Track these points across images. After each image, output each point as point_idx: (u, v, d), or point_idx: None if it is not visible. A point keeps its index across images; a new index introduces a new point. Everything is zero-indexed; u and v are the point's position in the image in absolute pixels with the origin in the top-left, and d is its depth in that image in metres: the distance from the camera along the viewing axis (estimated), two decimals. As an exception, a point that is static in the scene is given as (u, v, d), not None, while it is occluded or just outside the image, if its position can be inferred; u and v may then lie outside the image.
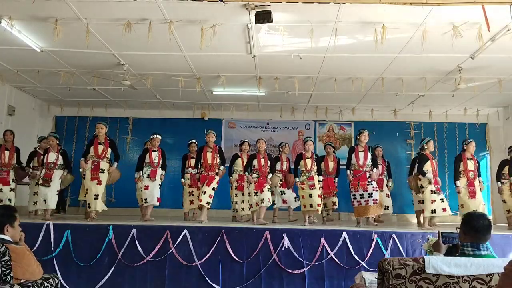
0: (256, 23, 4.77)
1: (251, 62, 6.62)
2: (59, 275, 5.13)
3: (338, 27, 5.17)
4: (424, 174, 6.55)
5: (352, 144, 9.07)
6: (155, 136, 7.14)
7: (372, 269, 5.00)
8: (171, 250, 5.52)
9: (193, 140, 8.07)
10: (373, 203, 6.47)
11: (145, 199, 6.91)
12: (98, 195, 6.58)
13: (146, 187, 6.90)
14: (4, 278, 2.71)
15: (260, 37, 5.63)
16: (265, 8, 4.61)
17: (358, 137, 6.72)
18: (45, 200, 6.68)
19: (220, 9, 4.76)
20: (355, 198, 6.57)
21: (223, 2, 4.46)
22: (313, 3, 4.50)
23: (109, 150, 6.79)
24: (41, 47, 6.12)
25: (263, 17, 4.63)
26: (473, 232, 2.40)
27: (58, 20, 5.08)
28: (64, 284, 5.34)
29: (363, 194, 6.49)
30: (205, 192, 6.69)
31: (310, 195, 6.59)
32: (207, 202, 6.68)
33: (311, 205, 6.60)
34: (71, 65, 7.01)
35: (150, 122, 10.09)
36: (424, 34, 5.10)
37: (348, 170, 6.63)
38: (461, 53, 6.01)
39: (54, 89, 8.59)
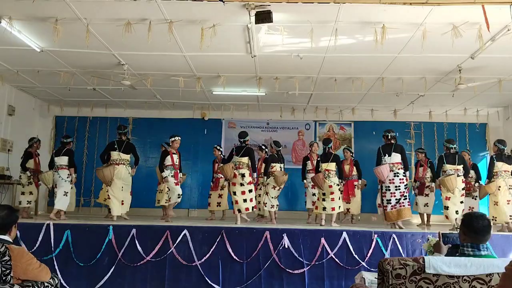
0: (256, 23, 4.77)
1: (251, 62, 6.62)
2: (59, 275, 5.13)
3: (338, 27, 5.17)
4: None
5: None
6: (176, 138, 7.09)
7: (372, 269, 5.00)
8: (171, 250, 5.52)
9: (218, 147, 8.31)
10: (401, 206, 6.41)
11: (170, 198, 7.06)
12: None
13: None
14: (4, 278, 2.71)
15: (260, 37, 5.63)
16: (265, 8, 4.61)
17: (394, 137, 6.69)
18: None
19: (220, 9, 4.76)
20: (389, 201, 6.43)
21: (223, 2, 4.46)
22: (313, 3, 4.50)
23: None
24: (41, 47, 6.12)
25: (263, 17, 4.63)
26: (472, 233, 2.40)
27: (58, 20, 5.08)
28: (64, 284, 5.33)
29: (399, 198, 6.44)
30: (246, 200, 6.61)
31: (339, 198, 6.68)
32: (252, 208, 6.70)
33: (339, 207, 6.69)
34: (71, 65, 7.01)
35: (150, 122, 10.12)
36: (424, 34, 5.10)
37: None
38: (461, 53, 6.01)
39: (54, 89, 8.59)
